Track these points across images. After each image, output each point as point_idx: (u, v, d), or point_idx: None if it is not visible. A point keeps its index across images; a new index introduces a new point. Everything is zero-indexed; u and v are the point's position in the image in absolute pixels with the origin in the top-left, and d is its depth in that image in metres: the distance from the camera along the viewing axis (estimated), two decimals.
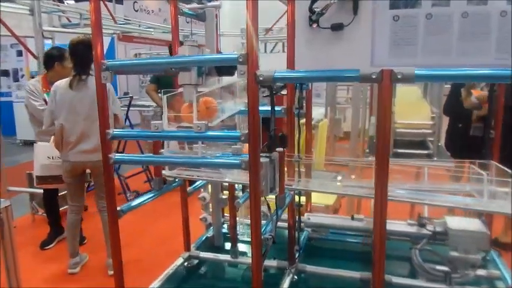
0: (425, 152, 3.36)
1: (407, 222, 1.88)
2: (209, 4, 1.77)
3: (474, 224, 1.68)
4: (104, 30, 1.47)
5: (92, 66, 3.11)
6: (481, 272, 1.67)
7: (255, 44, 1.10)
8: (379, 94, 1.03)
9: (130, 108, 5.85)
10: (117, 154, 1.42)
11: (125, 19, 8.08)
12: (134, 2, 9.45)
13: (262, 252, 1.29)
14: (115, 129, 1.37)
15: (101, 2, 1.45)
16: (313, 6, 1.38)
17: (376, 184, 1.20)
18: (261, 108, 1.18)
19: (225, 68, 1.31)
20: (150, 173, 5.76)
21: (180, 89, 1.37)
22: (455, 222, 1.69)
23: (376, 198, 1.23)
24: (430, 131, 3.45)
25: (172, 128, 1.29)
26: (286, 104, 1.64)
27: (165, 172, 1.72)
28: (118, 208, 1.44)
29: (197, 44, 1.31)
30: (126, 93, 7.93)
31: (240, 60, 1.14)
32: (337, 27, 1.40)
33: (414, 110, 3.66)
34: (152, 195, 1.63)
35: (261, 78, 1.14)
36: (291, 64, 1.60)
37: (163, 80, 5.15)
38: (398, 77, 1.01)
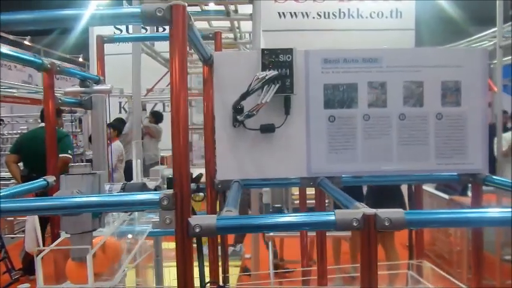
0: None
1: None
2: (97, 88, 1.40)
3: None
4: None
5: None
6: None
7: (187, 184, 0.74)
8: (363, 243, 0.78)
9: None
10: None
11: None
12: None
13: None
14: None
15: None
16: (237, 104, 1.14)
17: None
18: None
19: None
20: (11, 262, 4.72)
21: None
22: None
23: None
24: None
25: None
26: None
27: None
28: None
29: (91, 169, 0.88)
30: None
31: (164, 203, 0.73)
32: (267, 129, 1.17)
33: None
34: None
35: (197, 230, 0.74)
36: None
37: (26, 149, 4.35)
38: (386, 224, 0.76)
